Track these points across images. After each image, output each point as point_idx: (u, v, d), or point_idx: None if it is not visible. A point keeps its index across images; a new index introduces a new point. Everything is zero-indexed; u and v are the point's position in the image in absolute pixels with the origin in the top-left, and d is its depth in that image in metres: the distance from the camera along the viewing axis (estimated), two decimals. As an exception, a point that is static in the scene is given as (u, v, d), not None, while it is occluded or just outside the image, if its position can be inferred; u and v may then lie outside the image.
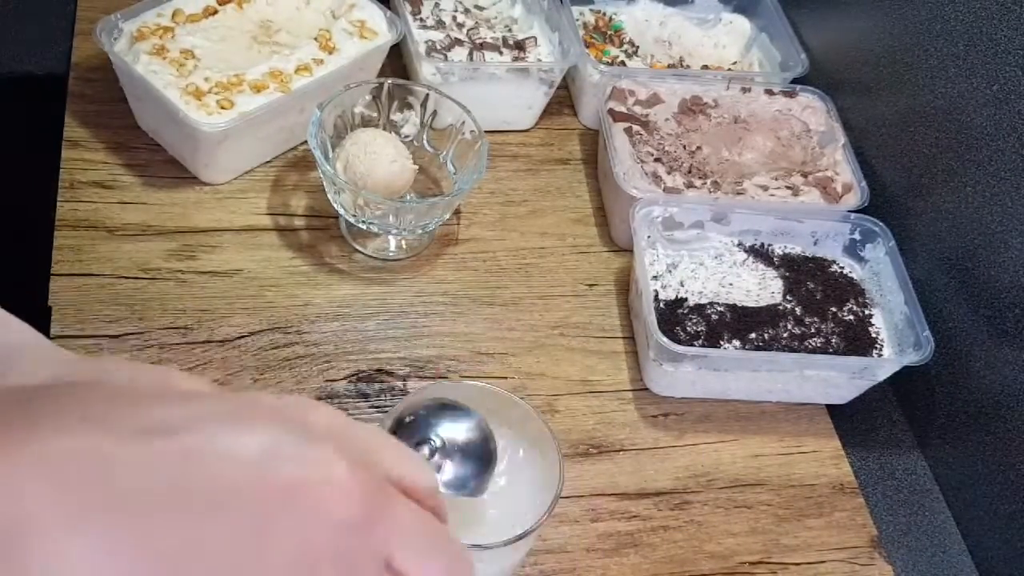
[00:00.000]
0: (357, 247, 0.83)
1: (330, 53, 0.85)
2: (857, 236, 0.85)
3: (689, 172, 0.87)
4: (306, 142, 0.83)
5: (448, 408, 0.53)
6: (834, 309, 0.82)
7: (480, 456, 0.52)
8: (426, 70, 0.87)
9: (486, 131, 0.82)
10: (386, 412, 0.73)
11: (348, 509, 0.30)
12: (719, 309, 0.80)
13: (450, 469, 0.51)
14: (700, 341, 0.77)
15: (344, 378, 0.75)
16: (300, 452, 0.30)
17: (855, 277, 0.85)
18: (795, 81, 0.97)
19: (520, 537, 0.52)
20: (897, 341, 0.80)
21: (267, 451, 0.29)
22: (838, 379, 0.78)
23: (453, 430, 0.52)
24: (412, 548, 0.32)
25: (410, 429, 0.51)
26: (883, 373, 0.78)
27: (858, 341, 0.80)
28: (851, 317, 0.82)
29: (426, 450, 0.50)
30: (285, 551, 0.29)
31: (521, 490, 0.57)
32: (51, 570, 0.25)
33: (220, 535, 0.28)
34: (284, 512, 0.29)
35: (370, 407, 0.74)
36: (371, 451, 0.33)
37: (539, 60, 0.94)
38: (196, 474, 0.28)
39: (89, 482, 0.26)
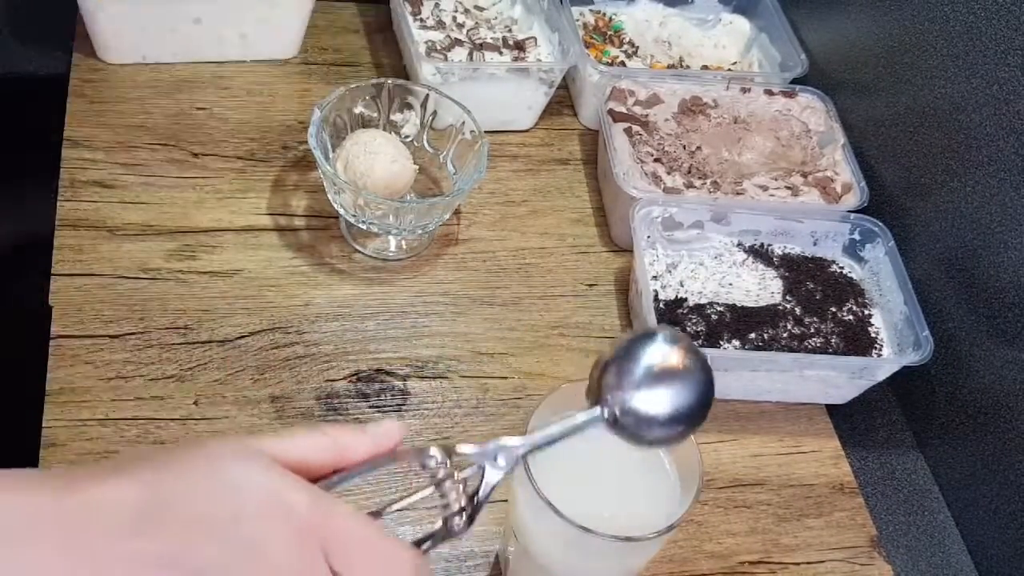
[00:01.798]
0: (357, 247, 0.83)
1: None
2: (857, 236, 0.85)
3: (689, 172, 0.87)
4: (306, 142, 0.83)
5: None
6: (834, 309, 0.82)
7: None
8: (426, 70, 0.88)
9: (486, 131, 0.82)
10: (384, 412, 0.74)
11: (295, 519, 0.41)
12: (719, 309, 0.80)
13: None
14: (700, 341, 0.77)
15: (344, 378, 0.75)
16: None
17: (855, 277, 0.85)
18: (795, 81, 0.97)
19: (670, 528, 0.53)
20: (897, 341, 0.80)
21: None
22: (838, 379, 0.78)
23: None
24: (344, 551, 0.41)
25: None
26: (883, 373, 0.78)
27: (858, 341, 0.80)
28: (851, 317, 0.82)
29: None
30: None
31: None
32: None
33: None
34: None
35: (370, 407, 0.74)
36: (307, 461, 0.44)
37: (539, 60, 0.94)
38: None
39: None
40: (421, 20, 0.94)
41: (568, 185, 0.93)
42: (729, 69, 1.02)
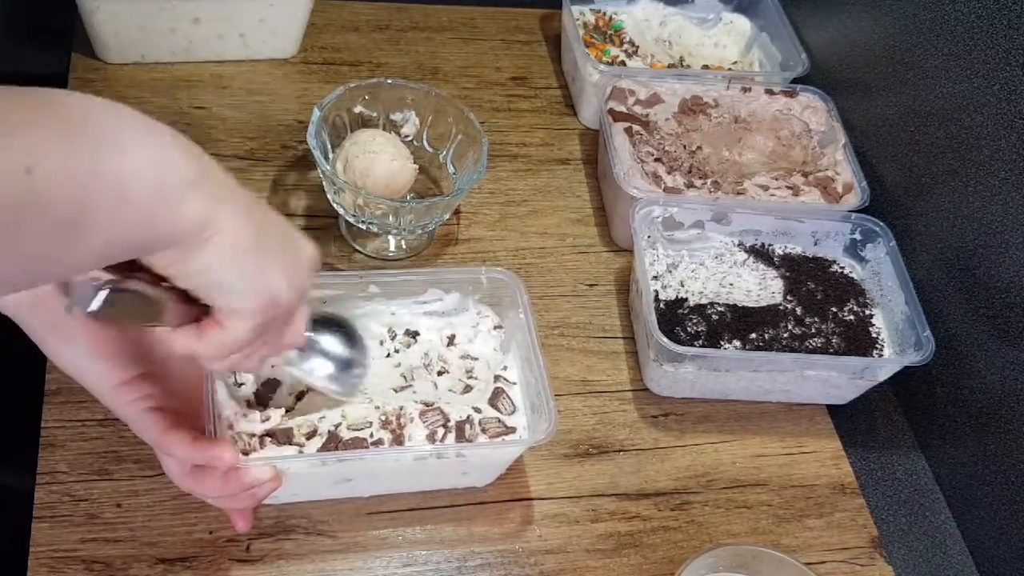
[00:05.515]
0: (357, 247, 0.83)
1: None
2: (857, 236, 0.85)
3: (689, 172, 0.87)
4: (305, 142, 0.83)
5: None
6: (834, 309, 0.82)
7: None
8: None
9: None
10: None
11: None
12: (719, 309, 0.80)
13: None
14: (700, 341, 0.77)
15: (344, 378, 0.75)
16: None
17: (855, 277, 0.85)
18: (795, 81, 0.97)
19: None
20: (897, 341, 0.80)
21: None
22: (838, 379, 0.78)
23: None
24: None
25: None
26: (884, 373, 0.78)
27: (858, 341, 0.80)
28: (851, 317, 0.82)
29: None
30: None
31: None
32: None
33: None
34: None
35: (370, 407, 0.73)
36: None
37: None
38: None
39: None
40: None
41: (568, 185, 0.92)
42: (730, 68, 1.02)
